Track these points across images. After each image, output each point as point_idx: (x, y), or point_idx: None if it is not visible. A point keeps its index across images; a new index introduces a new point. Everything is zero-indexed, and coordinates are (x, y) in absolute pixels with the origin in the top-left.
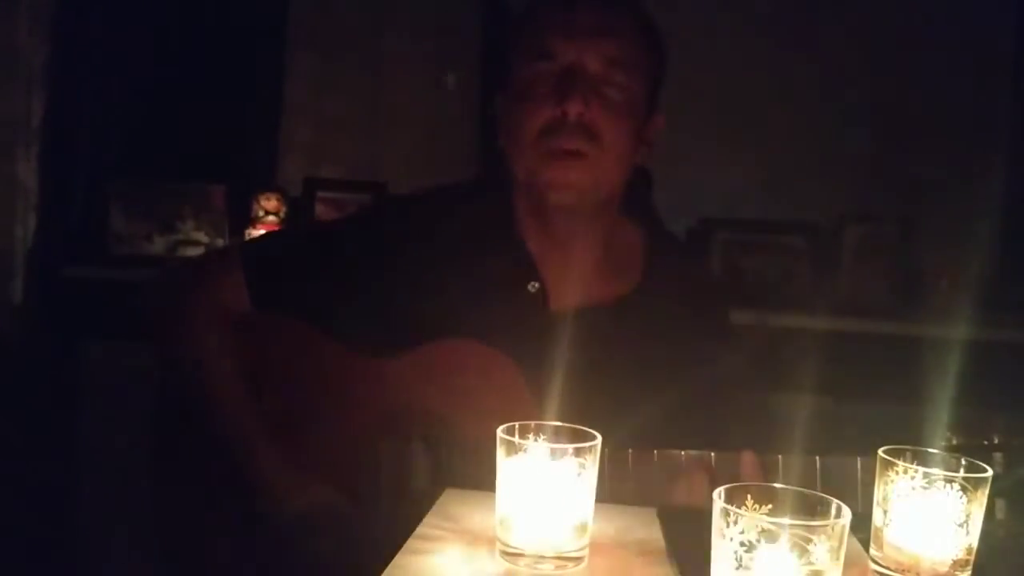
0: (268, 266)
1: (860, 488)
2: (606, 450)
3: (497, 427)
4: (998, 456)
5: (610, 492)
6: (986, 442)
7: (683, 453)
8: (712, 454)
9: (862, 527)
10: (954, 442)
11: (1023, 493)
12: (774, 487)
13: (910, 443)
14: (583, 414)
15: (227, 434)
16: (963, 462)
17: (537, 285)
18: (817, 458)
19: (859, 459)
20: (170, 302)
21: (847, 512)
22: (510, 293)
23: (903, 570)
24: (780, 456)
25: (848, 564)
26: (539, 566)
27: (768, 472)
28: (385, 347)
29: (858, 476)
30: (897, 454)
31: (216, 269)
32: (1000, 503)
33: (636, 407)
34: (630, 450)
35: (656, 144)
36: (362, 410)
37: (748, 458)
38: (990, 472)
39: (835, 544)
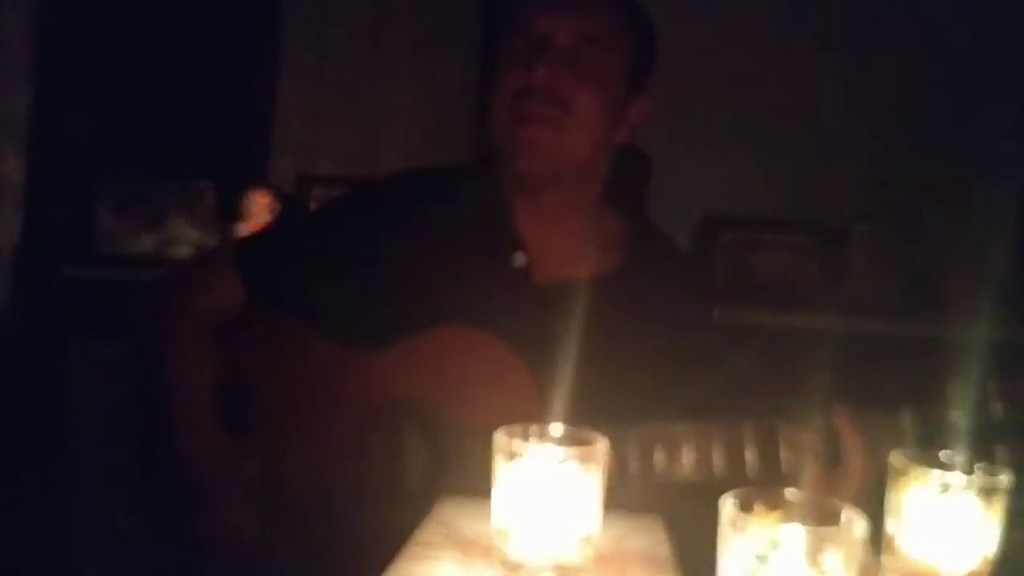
0: (262, 263)
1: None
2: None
3: (495, 412)
4: (998, 406)
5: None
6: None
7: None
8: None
9: (875, 525)
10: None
11: None
12: (785, 492)
13: (923, 445)
14: (571, 385)
15: (183, 443)
16: (979, 468)
17: (522, 258)
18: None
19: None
20: (163, 304)
21: (862, 520)
22: (496, 267)
23: None
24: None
25: (860, 573)
26: None
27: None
28: (380, 327)
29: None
30: (911, 459)
31: (210, 271)
32: (1001, 450)
33: (623, 379)
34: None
35: (642, 126)
36: (354, 405)
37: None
38: (1008, 478)
39: (849, 553)
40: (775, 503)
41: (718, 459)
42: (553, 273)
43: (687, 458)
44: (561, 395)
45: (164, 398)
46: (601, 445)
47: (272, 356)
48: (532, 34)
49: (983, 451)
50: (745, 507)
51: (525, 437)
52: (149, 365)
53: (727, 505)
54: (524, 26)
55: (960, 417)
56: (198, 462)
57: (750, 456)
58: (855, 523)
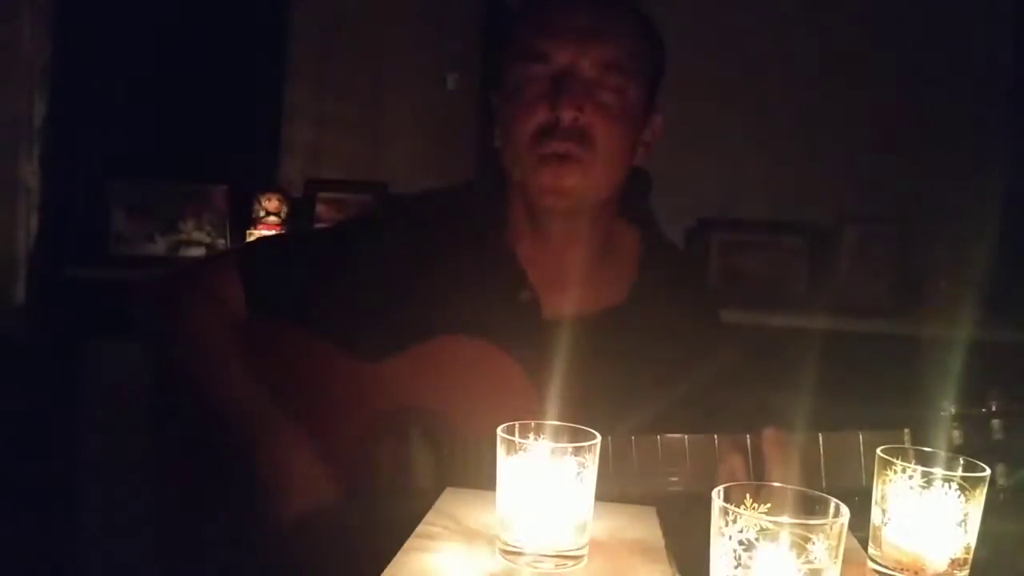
0: (264, 270)
1: (863, 462)
2: (609, 439)
3: (498, 422)
4: (996, 423)
5: (614, 479)
6: (984, 410)
7: (686, 438)
8: (747, 436)
9: (863, 517)
10: (952, 411)
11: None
12: (773, 486)
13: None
14: (580, 421)
15: (237, 420)
16: (961, 461)
17: (528, 294)
18: (820, 435)
19: (860, 434)
20: (166, 301)
21: (845, 511)
22: (503, 302)
23: (901, 569)
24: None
25: (847, 563)
26: (539, 565)
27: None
28: (379, 350)
29: (860, 450)
30: (895, 453)
31: (212, 273)
32: (1000, 468)
33: (634, 412)
34: (632, 437)
35: (654, 145)
36: (359, 412)
37: (771, 435)
38: (988, 471)
39: (833, 543)
40: (764, 495)
41: (663, 467)
42: (561, 308)
43: (637, 464)
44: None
45: (201, 384)
46: (596, 440)
47: (276, 362)
48: (552, 63)
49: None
50: (735, 499)
51: (525, 432)
52: (173, 361)
53: (717, 497)
54: (540, 51)
55: (958, 436)
56: (251, 433)
57: (691, 465)
58: (840, 515)
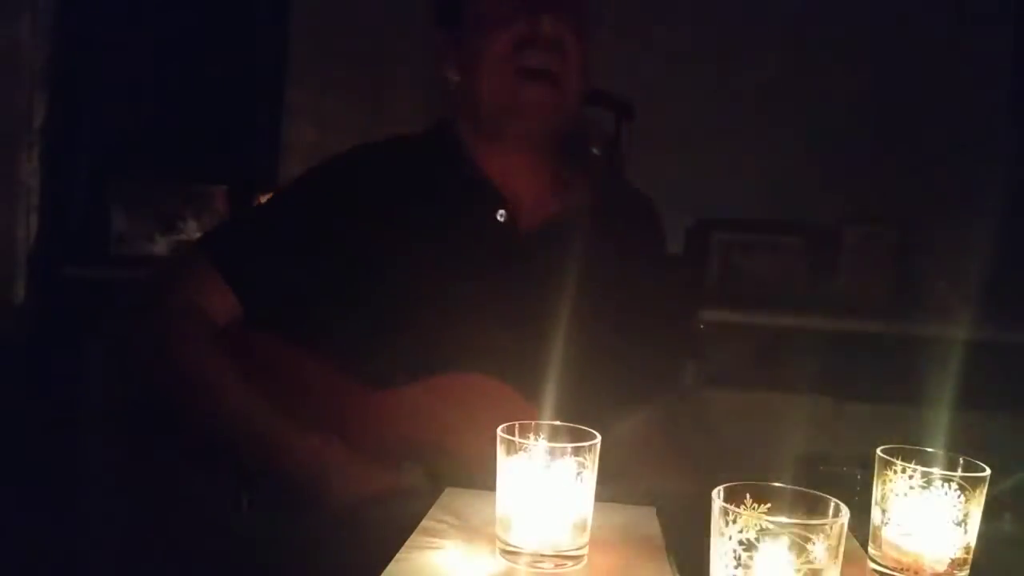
0: (246, 260)
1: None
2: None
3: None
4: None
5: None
6: None
7: None
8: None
9: (863, 517)
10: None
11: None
12: (774, 486)
13: (910, 443)
14: (561, 330)
15: (246, 430)
16: (961, 461)
17: (504, 214)
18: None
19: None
20: (149, 331)
21: (845, 511)
22: (481, 224)
23: (901, 569)
24: None
25: (847, 563)
26: (539, 565)
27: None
28: (380, 309)
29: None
30: (895, 453)
31: (191, 285)
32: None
33: (601, 317)
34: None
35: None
36: (360, 444)
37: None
38: (987, 471)
39: (833, 543)
40: (764, 495)
41: None
42: (534, 217)
43: None
44: (556, 331)
45: (200, 398)
46: (596, 440)
47: (267, 381)
48: None
49: None
50: (734, 499)
51: (525, 432)
52: (167, 378)
53: (717, 497)
54: None
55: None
56: (268, 442)
57: None
58: (840, 515)
